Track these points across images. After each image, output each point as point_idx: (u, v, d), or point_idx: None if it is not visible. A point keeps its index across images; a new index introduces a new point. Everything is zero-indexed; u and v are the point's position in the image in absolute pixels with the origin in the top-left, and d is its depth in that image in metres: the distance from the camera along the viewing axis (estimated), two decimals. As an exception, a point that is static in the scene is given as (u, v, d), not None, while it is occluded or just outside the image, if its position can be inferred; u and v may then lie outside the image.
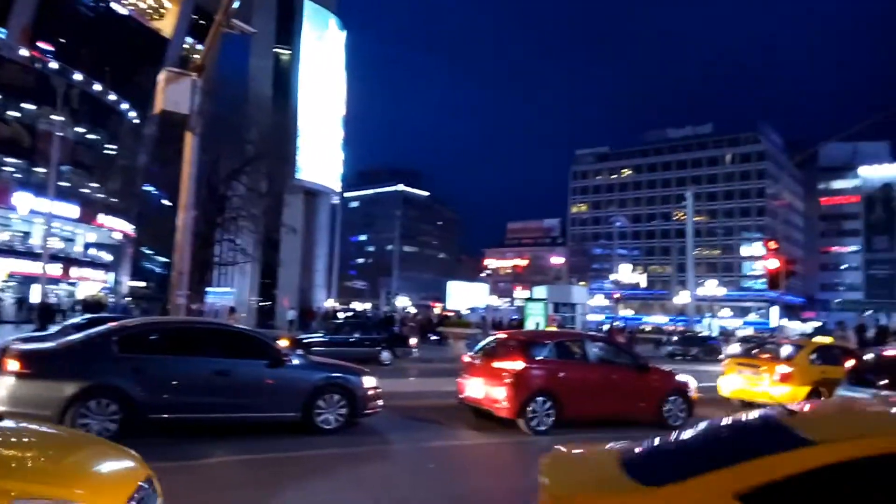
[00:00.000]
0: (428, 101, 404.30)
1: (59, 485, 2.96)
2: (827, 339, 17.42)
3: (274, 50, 45.74)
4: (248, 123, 27.72)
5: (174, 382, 7.94)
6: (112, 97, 46.55)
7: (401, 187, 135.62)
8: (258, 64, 43.84)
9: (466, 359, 11.41)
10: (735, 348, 29.64)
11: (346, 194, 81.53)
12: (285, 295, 43.18)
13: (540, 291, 38.55)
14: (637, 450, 3.19)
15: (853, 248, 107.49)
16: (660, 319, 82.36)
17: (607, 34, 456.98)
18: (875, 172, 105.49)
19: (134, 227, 44.35)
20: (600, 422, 10.12)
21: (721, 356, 26.75)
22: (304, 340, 19.46)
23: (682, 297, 54.64)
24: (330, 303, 51.64)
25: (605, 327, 43.24)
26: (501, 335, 12.25)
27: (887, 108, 17.06)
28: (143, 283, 60.89)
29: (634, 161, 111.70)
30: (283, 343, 14.46)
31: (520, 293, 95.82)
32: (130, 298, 48.05)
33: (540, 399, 9.76)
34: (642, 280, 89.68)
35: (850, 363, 12.26)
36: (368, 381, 9.22)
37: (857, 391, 11.39)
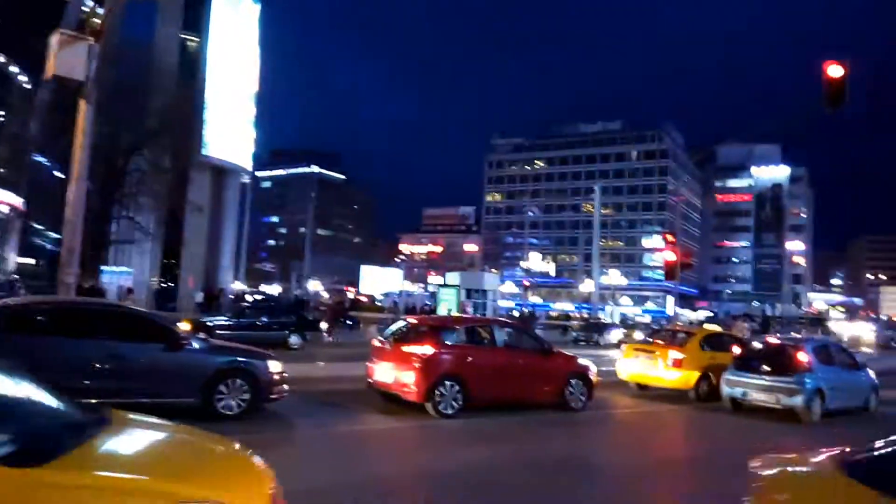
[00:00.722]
0: (347, 83, 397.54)
1: (218, 487, 2.91)
2: (716, 328, 18.61)
3: (182, 19, 43.34)
4: (152, 95, 26.25)
5: (62, 366, 7.43)
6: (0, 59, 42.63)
7: (316, 169, 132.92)
8: (165, 33, 41.40)
9: (376, 343, 11.38)
10: (638, 335, 31.50)
11: (258, 174, 79.02)
12: (189, 276, 41.41)
13: (453, 278, 38.92)
14: (859, 457, 3.17)
15: (744, 243, 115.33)
16: (567, 307, 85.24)
17: (525, 28, 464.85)
18: (766, 173, 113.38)
19: (23, 199, 41.02)
20: (504, 405, 10.42)
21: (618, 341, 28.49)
22: (209, 324, 18.77)
23: (588, 286, 56.76)
24: (238, 285, 50.01)
25: (516, 314, 44.44)
26: (412, 320, 12.29)
27: (779, 114, 18.21)
28: (32, 261, 56.59)
29: (548, 153, 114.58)
30: (184, 326, 13.87)
31: (434, 279, 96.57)
32: (17, 276, 44.54)
33: (448, 383, 9.89)
34: (551, 269, 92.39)
35: (736, 350, 13.22)
36: (274, 366, 9.00)
37: (741, 376, 12.33)
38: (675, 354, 13.34)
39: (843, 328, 52.57)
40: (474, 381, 10.05)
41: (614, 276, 67.44)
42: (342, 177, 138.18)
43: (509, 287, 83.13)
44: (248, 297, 42.09)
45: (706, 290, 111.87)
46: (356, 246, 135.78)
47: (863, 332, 44.63)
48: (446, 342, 10.26)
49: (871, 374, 13.99)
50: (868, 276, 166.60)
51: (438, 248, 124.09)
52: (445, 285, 34.11)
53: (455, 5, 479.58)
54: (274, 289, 76.56)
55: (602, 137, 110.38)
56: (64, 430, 3.09)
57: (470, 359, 10.32)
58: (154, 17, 41.90)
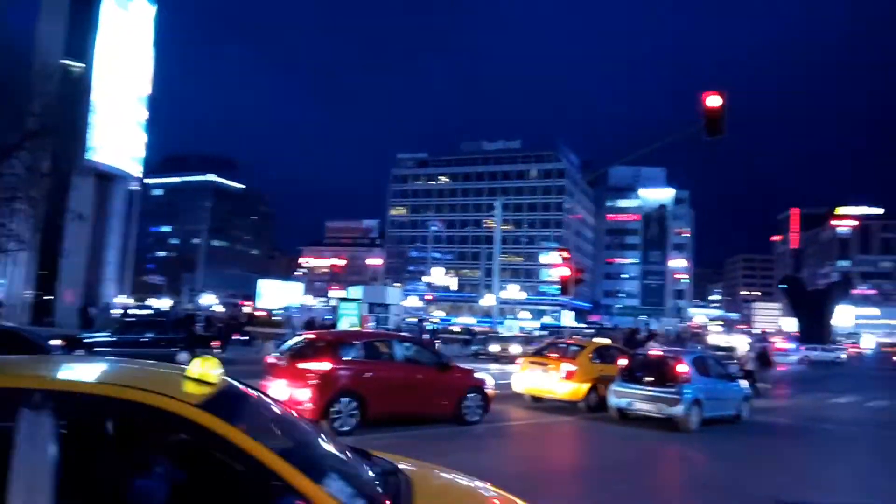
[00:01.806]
0: (249, 91, 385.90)
1: None
2: (606, 341, 19.46)
3: (69, 17, 40.46)
4: (31, 94, 24.27)
5: None
6: None
7: (212, 177, 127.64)
8: (48, 29, 38.44)
9: (271, 360, 11.04)
10: (516, 348, 32.72)
11: (149, 181, 74.88)
12: (68, 288, 38.44)
13: (355, 292, 38.56)
14: None
15: (633, 259, 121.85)
16: (468, 321, 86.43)
17: (432, 44, 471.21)
18: (653, 195, 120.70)
19: None
20: (402, 420, 10.39)
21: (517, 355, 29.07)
22: (86, 340, 17.50)
23: (488, 300, 57.93)
24: (122, 299, 46.90)
25: (427, 325, 44.42)
26: (309, 335, 12.04)
27: (664, 138, 19.55)
28: None
29: (452, 169, 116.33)
30: (56, 343, 12.86)
31: (336, 293, 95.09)
32: None
33: (345, 399, 9.75)
34: (453, 283, 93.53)
35: (622, 362, 13.89)
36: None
37: (627, 387, 12.96)
38: (567, 367, 13.83)
39: (720, 340, 56.61)
40: (372, 397, 9.96)
41: (513, 291, 69.18)
42: (240, 186, 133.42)
43: (412, 301, 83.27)
44: (135, 311, 39.65)
45: (599, 305, 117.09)
46: (254, 258, 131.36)
47: (739, 345, 48.20)
48: (343, 358, 10.12)
49: (744, 384, 15.14)
50: (743, 292, 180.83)
51: (341, 262, 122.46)
52: (347, 299, 33.73)
53: (362, 20, 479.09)
54: (164, 303, 72.56)
55: (503, 156, 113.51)
56: (384, 480, 2.98)
57: (368, 374, 10.23)
58: (37, 15, 38.93)
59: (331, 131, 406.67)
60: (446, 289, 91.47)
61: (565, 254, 22.29)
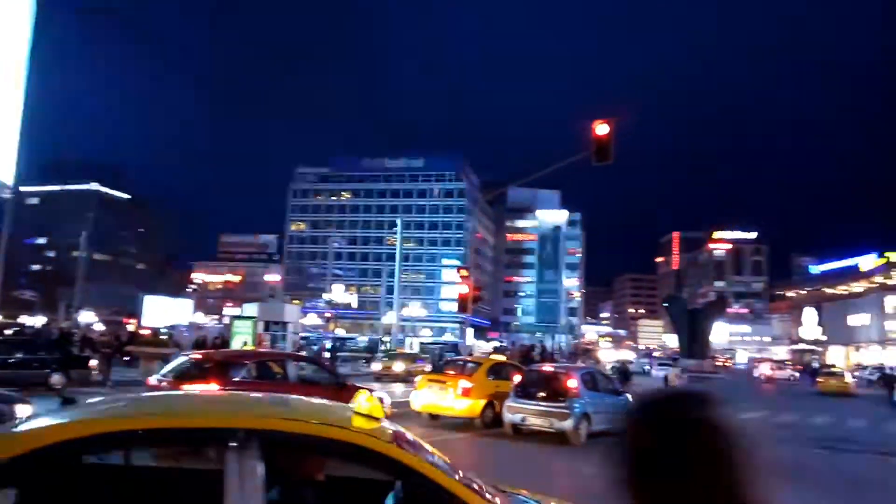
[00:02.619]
0: (139, 95, 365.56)
1: None
2: (501, 358, 19.90)
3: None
4: None
5: None
6: None
7: (95, 185, 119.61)
8: None
9: (153, 382, 10.43)
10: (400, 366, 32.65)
11: (23, 188, 69.03)
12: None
13: (250, 309, 37.13)
14: None
15: (529, 278, 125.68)
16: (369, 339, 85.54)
17: (334, 58, 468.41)
18: (548, 216, 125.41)
19: None
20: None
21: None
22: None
23: (389, 318, 57.70)
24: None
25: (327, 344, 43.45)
26: (196, 355, 11.48)
27: (558, 162, 20.43)
28: None
29: (353, 185, 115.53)
30: None
31: (230, 310, 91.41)
32: None
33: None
34: (354, 300, 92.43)
35: (517, 378, 14.25)
36: (22, 410, 7.82)
37: (520, 403, 13.29)
38: (464, 384, 14.02)
39: (610, 356, 59.42)
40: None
41: (414, 308, 69.32)
42: (126, 196, 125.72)
43: (312, 319, 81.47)
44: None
45: (498, 322, 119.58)
46: (140, 273, 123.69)
47: (625, 360, 50.75)
48: (233, 379, 9.74)
49: (630, 398, 15.92)
50: (630, 309, 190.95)
51: (236, 278, 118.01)
52: (241, 317, 32.40)
53: (266, 27, 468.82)
54: (37, 320, 66.74)
55: (406, 173, 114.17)
56: None
57: (259, 395, 9.88)
58: None
59: (228, 141, 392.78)
60: (347, 306, 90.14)
61: (464, 272, 22.65)
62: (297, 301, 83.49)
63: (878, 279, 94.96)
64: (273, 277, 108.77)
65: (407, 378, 27.74)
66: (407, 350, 48.77)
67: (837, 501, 9.08)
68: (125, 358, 30.09)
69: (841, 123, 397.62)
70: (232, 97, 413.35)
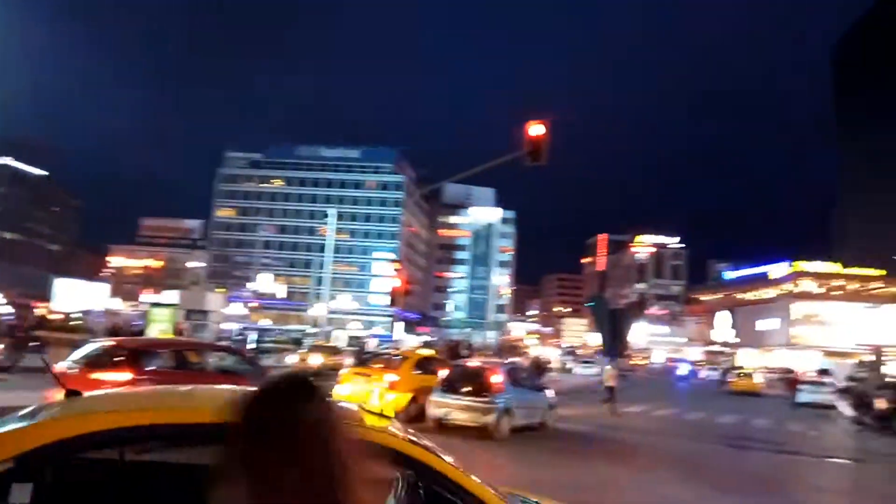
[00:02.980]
0: (58, 66, 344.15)
1: None
2: (429, 352, 19.97)
3: None
4: None
5: None
6: None
7: (8, 160, 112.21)
8: None
9: (61, 369, 9.87)
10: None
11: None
12: None
13: (170, 296, 35.79)
14: None
15: (461, 274, 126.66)
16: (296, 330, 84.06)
17: (269, 41, 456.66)
18: (482, 214, 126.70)
19: None
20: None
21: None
22: None
23: (318, 309, 56.89)
24: None
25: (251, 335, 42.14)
26: (108, 343, 10.95)
27: (493, 161, 20.64)
28: None
29: (286, 173, 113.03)
30: None
31: (149, 297, 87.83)
32: None
33: (146, 413, 9.00)
34: (281, 290, 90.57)
35: (443, 373, 14.34)
36: None
37: (445, 398, 13.38)
38: (390, 377, 13.99)
39: (537, 353, 60.62)
40: (178, 410, 9.29)
41: (344, 301, 68.59)
42: (42, 172, 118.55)
43: (236, 308, 79.34)
44: None
45: (428, 317, 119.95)
46: (53, 254, 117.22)
47: (550, 357, 51.97)
48: (147, 368, 9.35)
49: (550, 394, 16.31)
50: (556, 308, 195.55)
51: (157, 263, 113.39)
52: (159, 304, 31.20)
53: (196, 12, 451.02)
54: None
55: (341, 164, 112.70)
56: None
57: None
58: None
59: (153, 120, 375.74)
60: (274, 296, 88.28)
61: (397, 265, 22.58)
62: (221, 289, 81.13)
63: (787, 286, 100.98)
64: (196, 264, 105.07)
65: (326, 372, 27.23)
66: (339, 344, 48.22)
67: (736, 495, 9.60)
68: (32, 343, 28.43)
69: (763, 141, 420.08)
70: (161, 74, 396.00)
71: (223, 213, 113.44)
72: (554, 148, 17.20)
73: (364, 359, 17.54)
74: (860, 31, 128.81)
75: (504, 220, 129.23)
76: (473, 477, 2.61)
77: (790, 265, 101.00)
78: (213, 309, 32.67)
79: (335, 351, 33.38)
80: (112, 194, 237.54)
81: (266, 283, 72.54)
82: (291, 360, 30.27)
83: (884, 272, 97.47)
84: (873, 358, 51.43)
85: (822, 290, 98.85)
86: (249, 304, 74.95)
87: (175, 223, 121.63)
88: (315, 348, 33.37)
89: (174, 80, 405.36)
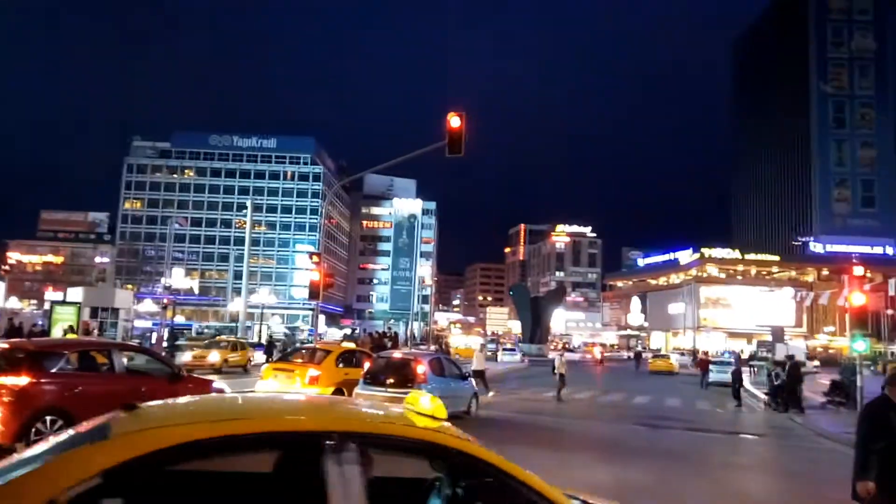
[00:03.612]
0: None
1: None
2: (351, 345, 19.78)
3: None
4: None
5: None
6: None
7: None
8: None
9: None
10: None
11: None
12: None
13: (75, 293, 33.73)
14: None
15: (384, 266, 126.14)
16: (213, 326, 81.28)
17: (181, 23, 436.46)
18: (404, 205, 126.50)
19: None
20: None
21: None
22: None
23: (236, 305, 55.16)
24: None
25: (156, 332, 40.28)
26: (3, 344, 10.18)
27: (414, 151, 20.63)
28: None
29: (199, 163, 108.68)
30: None
31: (52, 295, 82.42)
32: None
33: (49, 419, 8.43)
34: (196, 286, 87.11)
35: (367, 365, 14.22)
36: None
37: (370, 390, 13.27)
38: (312, 372, 13.74)
39: (460, 341, 61.25)
40: (84, 414, 8.68)
41: (263, 295, 66.84)
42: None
43: (147, 305, 75.81)
44: None
45: (351, 309, 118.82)
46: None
47: (474, 346, 52.53)
48: (49, 370, 8.75)
49: (474, 382, 16.52)
50: (480, 297, 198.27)
51: (59, 259, 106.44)
52: (63, 302, 29.38)
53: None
54: None
55: (257, 154, 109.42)
56: None
57: (79, 389, 8.97)
58: None
59: (53, 104, 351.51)
60: (188, 292, 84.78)
61: (315, 258, 22.14)
62: (130, 286, 77.34)
63: (694, 272, 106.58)
64: (103, 260, 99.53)
65: (223, 370, 25.91)
66: (253, 339, 46.93)
67: (649, 473, 10.04)
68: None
69: (673, 134, 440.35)
70: (60, 59, 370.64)
71: (130, 205, 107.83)
72: (475, 140, 17.41)
73: (286, 353, 17.14)
74: (756, 31, 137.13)
75: (426, 211, 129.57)
76: (530, 472, 2.68)
77: (696, 252, 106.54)
78: (122, 306, 31.08)
79: (237, 345, 30.24)
80: (8, 186, 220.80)
81: (178, 278, 69.39)
82: (186, 357, 26.86)
83: (778, 257, 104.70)
84: (771, 338, 55.17)
85: (725, 275, 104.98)
86: (162, 301, 71.56)
87: (79, 216, 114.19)
88: (213, 344, 30.39)
89: (74, 66, 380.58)
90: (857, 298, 16.89)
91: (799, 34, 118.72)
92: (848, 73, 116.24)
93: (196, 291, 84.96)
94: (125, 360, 9.98)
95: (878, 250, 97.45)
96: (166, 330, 36.67)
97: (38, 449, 2.45)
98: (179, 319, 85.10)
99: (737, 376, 24.06)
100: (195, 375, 11.61)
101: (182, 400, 3.23)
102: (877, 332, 65.78)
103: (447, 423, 2.80)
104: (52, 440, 2.53)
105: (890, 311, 67.03)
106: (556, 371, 22.63)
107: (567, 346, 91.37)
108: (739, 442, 15.12)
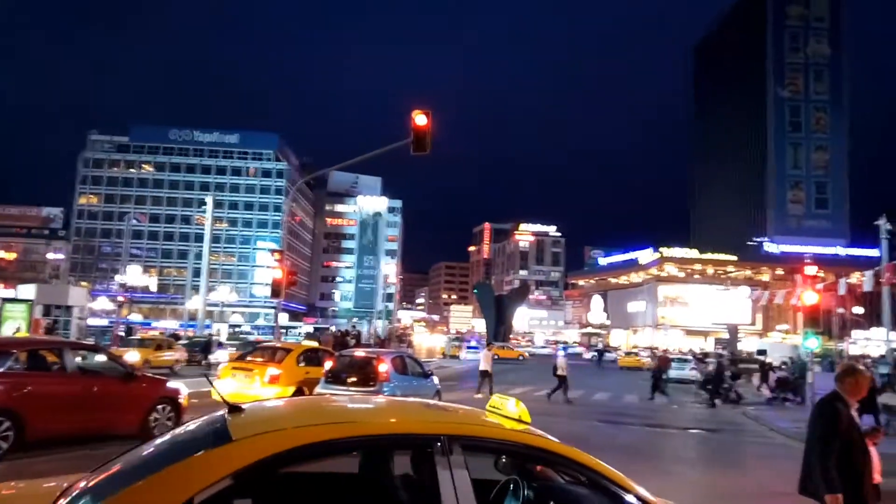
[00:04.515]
0: None
1: None
2: (313, 343, 19.60)
3: None
4: None
5: None
6: None
7: None
8: None
9: None
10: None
11: None
12: None
13: (26, 291, 32.68)
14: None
15: (348, 263, 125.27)
16: (171, 324, 79.66)
17: (137, 9, 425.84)
18: (369, 202, 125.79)
19: None
20: (76, 439, 9.07)
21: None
22: None
23: (195, 302, 54.07)
24: None
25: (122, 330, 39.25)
26: (-53, 344, 9.81)
27: (379, 149, 20.55)
28: None
29: (158, 158, 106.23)
30: None
31: (3, 292, 79.50)
32: None
33: (-5, 420, 8.17)
34: (154, 283, 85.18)
35: (328, 364, 14.11)
36: None
37: (331, 389, 13.18)
38: (272, 371, 13.58)
39: (425, 340, 61.21)
40: (33, 415, 8.50)
41: (224, 293, 65.72)
42: None
43: (103, 303, 73.90)
44: None
45: (314, 307, 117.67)
46: None
47: (438, 344, 52.73)
48: (-4, 370, 8.47)
49: (436, 380, 16.53)
50: (444, 296, 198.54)
51: (10, 255, 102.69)
52: (13, 300, 28.42)
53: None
54: None
55: (219, 149, 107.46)
56: None
57: (28, 388, 8.70)
58: None
59: (5, 95, 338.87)
60: (145, 290, 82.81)
61: (277, 255, 21.88)
62: (85, 283, 75.33)
63: (653, 271, 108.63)
64: (57, 256, 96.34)
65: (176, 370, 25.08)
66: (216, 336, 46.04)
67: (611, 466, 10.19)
68: None
69: (634, 137, 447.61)
70: (19, 45, 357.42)
71: (86, 200, 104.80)
72: (441, 138, 17.43)
73: (244, 353, 16.89)
74: (715, 36, 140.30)
75: (392, 209, 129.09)
76: (618, 472, 2.78)
77: (656, 251, 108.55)
78: (77, 304, 30.22)
79: (163, 345, 27.89)
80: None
81: (136, 275, 67.65)
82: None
83: (735, 257, 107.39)
84: (728, 336, 56.63)
85: (683, 274, 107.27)
86: (117, 299, 69.77)
87: (32, 211, 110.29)
88: (136, 342, 28.13)
89: (29, 56, 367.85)
90: (810, 297, 17.44)
91: (757, 40, 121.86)
92: (804, 77, 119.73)
93: (154, 289, 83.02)
94: (77, 360, 9.72)
95: (831, 251, 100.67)
96: (122, 328, 35.80)
97: (148, 451, 2.57)
98: (136, 317, 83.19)
99: (718, 375, 24.27)
100: (150, 375, 11.36)
101: (281, 402, 3.36)
102: (828, 331, 68.02)
103: (532, 427, 2.91)
104: (159, 442, 2.66)
105: (841, 310, 69.41)
106: (557, 372, 22.42)
107: (529, 343, 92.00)
108: (692, 437, 15.48)
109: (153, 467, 2.25)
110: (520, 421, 2.96)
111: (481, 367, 22.03)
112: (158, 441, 2.72)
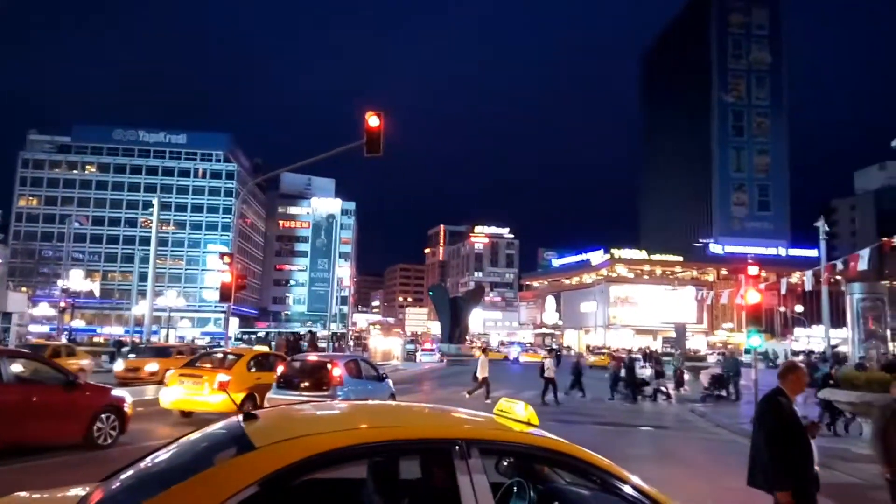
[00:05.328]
0: None
1: None
2: (264, 349, 19.25)
3: None
4: None
5: None
6: None
7: None
8: None
9: None
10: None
11: None
12: None
13: (-42, 298, 31.20)
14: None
15: (301, 266, 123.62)
16: (116, 331, 77.10)
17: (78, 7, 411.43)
18: (322, 205, 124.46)
19: None
20: (13, 449, 8.66)
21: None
22: None
23: (141, 308, 52.37)
24: None
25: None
26: None
27: (332, 150, 20.37)
28: None
29: (101, 158, 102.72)
30: None
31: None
32: None
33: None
34: (97, 288, 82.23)
35: (280, 369, 13.86)
36: None
37: (283, 394, 12.94)
38: (221, 377, 13.25)
39: (380, 343, 60.77)
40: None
41: (171, 298, 63.94)
42: None
43: (43, 309, 71.01)
44: None
45: (266, 311, 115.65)
46: None
47: (393, 347, 52.42)
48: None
49: (391, 383, 16.44)
50: (399, 298, 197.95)
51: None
52: (-55, 307, 27.06)
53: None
54: None
55: (165, 149, 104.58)
56: None
57: (-40, 400, 8.28)
58: None
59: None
60: (89, 294, 79.87)
61: (227, 259, 21.38)
62: (25, 288, 72.22)
63: (604, 272, 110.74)
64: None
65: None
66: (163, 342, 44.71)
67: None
68: None
69: (588, 140, 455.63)
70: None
71: (25, 202, 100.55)
72: (395, 141, 17.38)
73: (194, 358, 16.43)
74: (663, 43, 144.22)
75: (346, 211, 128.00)
76: (629, 473, 2.80)
77: (607, 253, 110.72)
78: (16, 310, 29.02)
79: (60, 351, 21.96)
80: None
81: (78, 279, 65.14)
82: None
83: (681, 258, 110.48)
84: (675, 335, 58.11)
85: (633, 274, 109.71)
86: (59, 304, 67.13)
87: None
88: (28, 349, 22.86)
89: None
90: (753, 296, 17.98)
91: (702, 46, 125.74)
92: (746, 83, 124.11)
93: (97, 294, 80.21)
94: (14, 368, 9.29)
95: (773, 251, 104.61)
96: (64, 335, 34.42)
97: (163, 459, 2.58)
98: (79, 323, 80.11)
99: (630, 371, 25.20)
100: (94, 384, 10.95)
101: (297, 409, 3.32)
102: (771, 329, 70.48)
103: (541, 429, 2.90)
104: (174, 450, 2.65)
105: (783, 309, 72.08)
106: (545, 374, 22.40)
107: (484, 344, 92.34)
108: (642, 434, 15.83)
109: (176, 476, 2.24)
110: (528, 423, 2.99)
111: (479, 375, 21.82)
112: (173, 449, 2.72)
